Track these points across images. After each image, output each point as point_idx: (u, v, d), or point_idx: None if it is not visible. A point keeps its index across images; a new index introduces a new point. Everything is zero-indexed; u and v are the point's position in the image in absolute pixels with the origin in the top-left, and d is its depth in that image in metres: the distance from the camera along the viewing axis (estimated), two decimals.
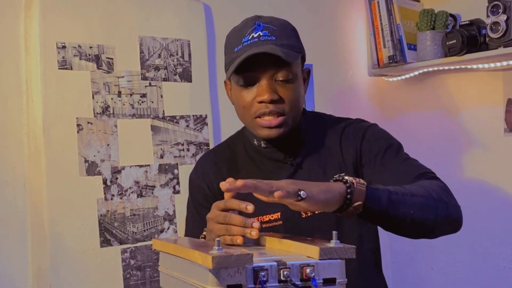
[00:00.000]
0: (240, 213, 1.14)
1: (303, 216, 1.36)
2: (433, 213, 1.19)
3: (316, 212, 1.35)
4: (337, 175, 1.13)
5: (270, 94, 1.30)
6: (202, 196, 1.47)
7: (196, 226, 1.46)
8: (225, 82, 1.46)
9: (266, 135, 1.35)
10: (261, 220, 1.36)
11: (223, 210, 1.15)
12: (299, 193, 1.01)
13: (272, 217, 1.37)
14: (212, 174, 1.47)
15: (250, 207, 1.11)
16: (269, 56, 1.28)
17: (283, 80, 1.32)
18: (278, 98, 1.32)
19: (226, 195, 1.17)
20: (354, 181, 1.10)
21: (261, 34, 1.31)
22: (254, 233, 1.10)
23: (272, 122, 1.32)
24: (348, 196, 1.08)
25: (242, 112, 1.37)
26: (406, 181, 1.26)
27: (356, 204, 1.09)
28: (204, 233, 1.28)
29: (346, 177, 1.11)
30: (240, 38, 1.33)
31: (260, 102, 1.32)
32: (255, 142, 1.44)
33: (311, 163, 1.41)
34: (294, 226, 1.34)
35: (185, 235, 1.52)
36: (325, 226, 1.30)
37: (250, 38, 1.31)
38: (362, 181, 1.12)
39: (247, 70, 1.31)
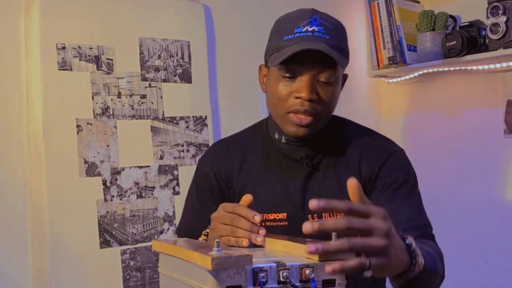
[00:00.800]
0: None
1: (310, 220, 1.34)
2: (438, 282, 1.21)
3: (323, 218, 1.32)
4: (409, 242, 1.01)
5: (309, 93, 1.26)
6: (207, 184, 1.44)
7: (194, 213, 1.44)
8: (260, 66, 1.40)
9: (293, 131, 1.31)
10: (266, 218, 1.34)
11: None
12: (367, 262, 0.88)
13: (277, 216, 1.36)
14: (221, 163, 1.43)
15: (257, 218, 1.11)
16: (318, 54, 1.23)
17: (325, 81, 1.28)
18: (316, 98, 1.28)
19: (243, 202, 1.16)
20: (419, 261, 1.02)
21: (315, 29, 1.26)
22: (259, 239, 1.10)
23: (303, 121, 1.28)
24: (405, 272, 1.01)
25: (275, 102, 1.32)
26: (405, 227, 1.23)
27: (403, 280, 1.03)
28: (207, 230, 1.26)
29: (417, 251, 1.02)
30: (292, 27, 1.28)
31: (297, 98, 1.27)
32: (276, 136, 1.39)
33: (327, 168, 1.37)
34: (298, 229, 1.31)
35: (181, 221, 1.50)
36: (331, 233, 1.27)
37: (304, 30, 1.26)
38: (422, 260, 1.03)
39: (292, 62, 1.26)
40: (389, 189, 1.33)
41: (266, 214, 1.35)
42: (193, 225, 1.42)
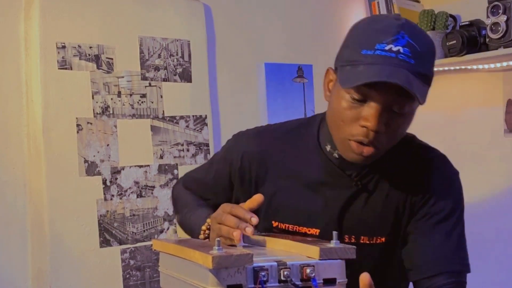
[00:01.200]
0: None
1: (346, 240, 1.23)
2: None
3: (361, 240, 1.23)
4: None
5: (378, 125, 1.09)
6: (227, 172, 1.33)
7: (204, 183, 1.39)
8: (328, 69, 1.21)
9: (351, 159, 1.15)
10: (296, 230, 1.25)
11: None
12: None
13: (309, 231, 1.24)
14: (254, 160, 1.28)
15: (254, 220, 1.06)
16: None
17: (398, 112, 1.11)
18: (383, 131, 1.10)
19: (252, 201, 1.11)
20: None
21: (401, 50, 1.06)
22: (249, 230, 1.05)
23: (364, 152, 1.12)
24: None
25: (337, 123, 1.15)
26: (439, 270, 1.19)
27: None
28: (207, 223, 1.24)
29: None
30: (374, 41, 1.07)
31: (363, 126, 1.10)
32: (328, 148, 1.22)
33: (376, 190, 1.23)
34: None
35: (193, 174, 1.44)
36: (361, 264, 1.10)
37: (387, 49, 1.06)
38: None
39: (364, 84, 1.07)
40: (431, 220, 1.22)
41: (297, 227, 1.25)
42: (198, 190, 1.39)
